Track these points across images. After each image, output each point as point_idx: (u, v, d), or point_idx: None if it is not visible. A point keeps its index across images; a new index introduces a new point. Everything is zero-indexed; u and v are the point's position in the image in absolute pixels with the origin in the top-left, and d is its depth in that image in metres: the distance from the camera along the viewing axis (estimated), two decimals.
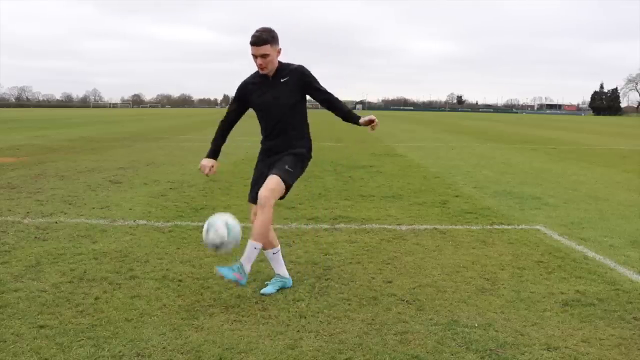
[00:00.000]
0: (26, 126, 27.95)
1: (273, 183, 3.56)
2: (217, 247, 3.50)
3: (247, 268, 3.49)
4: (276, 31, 3.69)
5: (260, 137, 3.94)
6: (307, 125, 3.92)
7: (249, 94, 3.83)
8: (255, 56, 3.66)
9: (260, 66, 3.68)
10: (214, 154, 3.92)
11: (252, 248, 3.52)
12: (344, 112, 3.80)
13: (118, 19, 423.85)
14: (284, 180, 3.60)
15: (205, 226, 3.54)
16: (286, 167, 3.66)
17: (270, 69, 3.72)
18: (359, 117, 3.73)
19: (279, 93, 3.73)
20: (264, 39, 3.59)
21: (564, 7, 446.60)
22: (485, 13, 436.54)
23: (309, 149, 3.89)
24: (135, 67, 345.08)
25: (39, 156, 12.42)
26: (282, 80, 3.74)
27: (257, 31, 3.63)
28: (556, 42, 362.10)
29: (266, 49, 3.60)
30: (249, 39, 3.63)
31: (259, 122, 3.91)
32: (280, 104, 3.74)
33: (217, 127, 3.96)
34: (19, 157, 12.10)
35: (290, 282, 3.92)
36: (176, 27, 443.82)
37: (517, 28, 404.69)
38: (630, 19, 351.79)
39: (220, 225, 3.49)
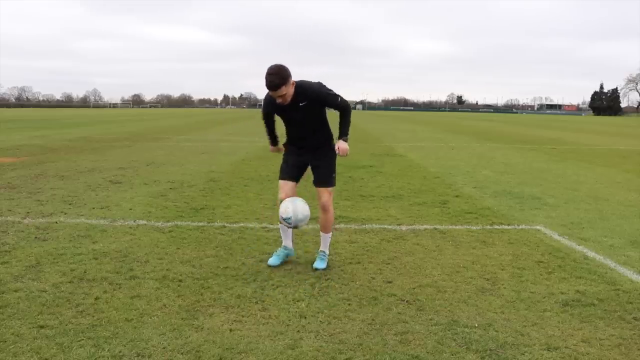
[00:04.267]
0: (26, 126, 27.92)
1: (329, 192, 4.32)
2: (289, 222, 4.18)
3: (327, 252, 4.45)
4: (286, 66, 3.92)
5: (283, 129, 4.38)
6: (328, 123, 4.34)
7: (274, 110, 4.25)
8: (272, 96, 4.02)
9: (280, 103, 4.04)
10: (274, 142, 4.58)
11: (326, 238, 4.43)
12: (342, 120, 4.20)
13: (118, 19, 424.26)
14: (333, 186, 4.35)
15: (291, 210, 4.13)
16: (332, 175, 4.33)
17: (288, 99, 4.02)
18: (341, 135, 4.17)
19: (301, 115, 4.13)
20: (276, 84, 3.86)
21: (564, 7, 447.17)
22: (485, 13, 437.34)
23: (332, 141, 4.37)
24: (135, 68, 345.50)
25: (39, 156, 12.42)
26: (301, 105, 4.07)
27: (269, 74, 3.86)
28: (556, 42, 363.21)
29: (281, 90, 3.91)
30: (264, 82, 3.88)
31: (285, 126, 4.35)
32: (304, 123, 4.20)
33: (265, 126, 4.50)
34: (19, 157, 12.10)
35: (293, 252, 4.55)
36: (174, 28, 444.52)
37: (516, 28, 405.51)
38: (631, 19, 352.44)
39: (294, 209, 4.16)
